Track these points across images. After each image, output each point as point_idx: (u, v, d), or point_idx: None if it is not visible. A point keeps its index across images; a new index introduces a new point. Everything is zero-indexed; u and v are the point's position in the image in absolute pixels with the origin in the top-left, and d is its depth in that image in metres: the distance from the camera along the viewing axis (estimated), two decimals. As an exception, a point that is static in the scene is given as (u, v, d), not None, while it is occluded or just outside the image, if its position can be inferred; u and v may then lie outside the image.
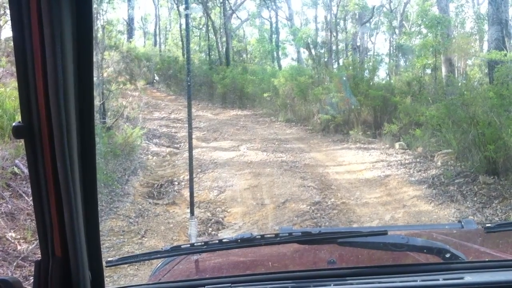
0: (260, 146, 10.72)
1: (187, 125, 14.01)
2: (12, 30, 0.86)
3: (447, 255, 1.28)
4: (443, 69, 11.23)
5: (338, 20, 15.90)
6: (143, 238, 5.65)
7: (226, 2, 24.33)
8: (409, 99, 10.62)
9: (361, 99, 10.69)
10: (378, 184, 7.43)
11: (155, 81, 22.90)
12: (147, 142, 10.76)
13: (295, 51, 22.80)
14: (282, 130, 12.88)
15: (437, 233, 1.98)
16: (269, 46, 26.78)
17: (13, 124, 0.89)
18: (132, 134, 8.65)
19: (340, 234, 1.35)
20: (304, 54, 20.69)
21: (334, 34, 15.44)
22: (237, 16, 28.38)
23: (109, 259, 1.39)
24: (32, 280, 0.99)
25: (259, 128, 13.12)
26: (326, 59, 15.55)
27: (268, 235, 1.34)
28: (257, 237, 1.34)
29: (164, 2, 30.65)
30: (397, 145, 9.42)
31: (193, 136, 12.85)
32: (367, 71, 11.58)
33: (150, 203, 6.97)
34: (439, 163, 7.72)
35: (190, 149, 5.16)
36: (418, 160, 8.30)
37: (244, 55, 27.52)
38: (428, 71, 12.35)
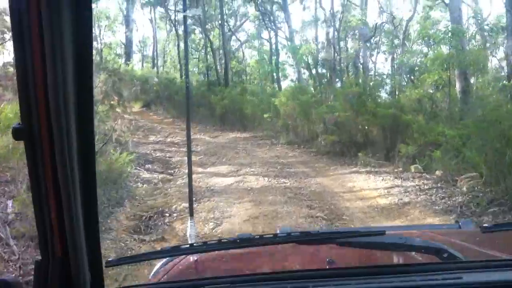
0: (261, 171, 9.88)
1: (183, 149, 13.36)
2: (12, 32, 0.88)
3: (445, 255, 1.28)
4: (457, 85, 10.43)
5: (340, 37, 15.17)
6: None
7: (225, 24, 24.05)
8: (422, 117, 9.81)
9: (368, 118, 9.86)
10: (396, 214, 6.52)
11: (150, 103, 22.20)
12: (138, 168, 9.89)
13: (295, 71, 22.16)
14: (284, 153, 12.04)
15: (435, 233, 1.99)
16: (268, 67, 26.46)
17: (13, 125, 0.90)
18: (118, 160, 7.77)
19: (339, 235, 1.39)
20: (305, 74, 20.08)
21: (337, 51, 14.69)
22: (237, 38, 28.19)
23: (109, 259, 1.36)
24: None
25: (259, 151, 12.33)
26: (328, 78, 14.80)
27: (267, 236, 1.37)
28: (256, 237, 1.37)
29: (162, 24, 30.36)
30: (412, 168, 8.53)
31: (189, 161, 12.01)
32: (374, 88, 10.74)
33: (135, 239, 6.04)
34: (464, 189, 6.80)
35: (189, 148, 4.86)
36: (439, 185, 7.39)
37: (244, 77, 27.01)
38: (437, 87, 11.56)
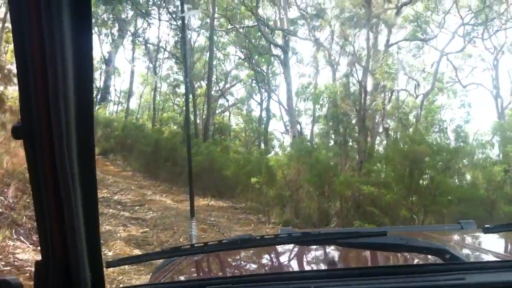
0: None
1: (126, 213, 9.12)
2: (12, 31, 0.87)
3: (447, 256, 1.27)
4: None
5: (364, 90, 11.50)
6: None
7: (214, 83, 21.29)
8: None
9: (441, 200, 5.71)
10: None
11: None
12: (14, 239, 5.37)
13: (289, 133, 18.47)
14: (279, 239, 7.76)
15: (436, 234, 1.98)
16: (256, 132, 23.60)
17: (13, 125, 0.90)
18: None
19: (340, 235, 1.37)
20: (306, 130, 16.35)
21: (361, 101, 10.89)
22: (225, 98, 25.49)
23: (109, 260, 1.32)
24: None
25: (239, 232, 8.25)
26: (343, 136, 10.88)
27: (268, 236, 1.37)
28: (257, 238, 1.36)
29: (143, 71, 27.16)
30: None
31: (125, 236, 7.75)
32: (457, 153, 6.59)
33: None
34: None
35: (188, 139, 4.88)
36: None
37: (227, 135, 23.53)
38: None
